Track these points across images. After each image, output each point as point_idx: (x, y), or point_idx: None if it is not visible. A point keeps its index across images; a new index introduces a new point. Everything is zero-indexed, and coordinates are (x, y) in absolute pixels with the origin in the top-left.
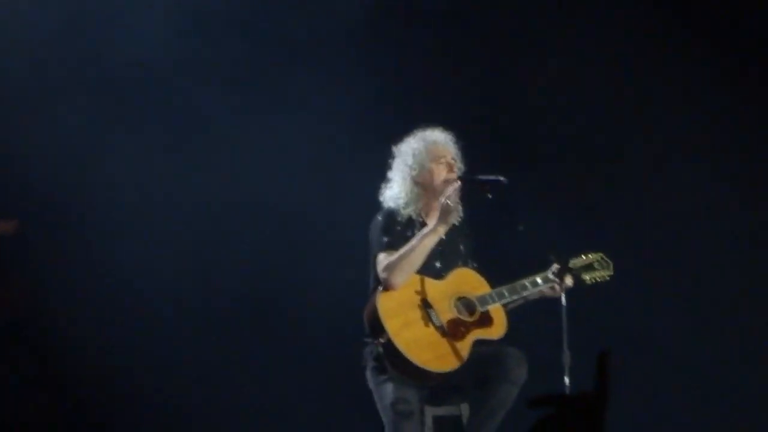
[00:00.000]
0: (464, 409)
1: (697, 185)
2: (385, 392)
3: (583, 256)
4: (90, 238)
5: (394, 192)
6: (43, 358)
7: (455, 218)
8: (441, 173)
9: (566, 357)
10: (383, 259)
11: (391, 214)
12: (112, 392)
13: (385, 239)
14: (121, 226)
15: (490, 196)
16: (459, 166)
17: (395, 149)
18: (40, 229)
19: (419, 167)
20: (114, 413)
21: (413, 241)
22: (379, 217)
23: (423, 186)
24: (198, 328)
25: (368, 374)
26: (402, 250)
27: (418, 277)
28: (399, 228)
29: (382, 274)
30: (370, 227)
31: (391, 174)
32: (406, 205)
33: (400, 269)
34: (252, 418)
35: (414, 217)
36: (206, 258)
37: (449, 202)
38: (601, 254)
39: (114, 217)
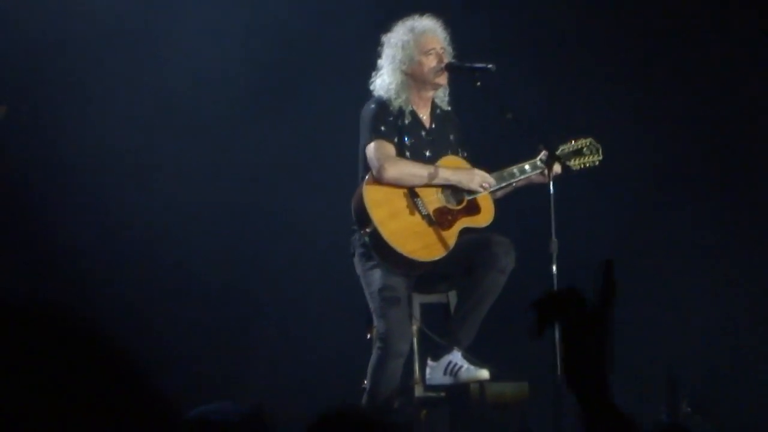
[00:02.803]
0: (452, 297)
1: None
2: (373, 279)
3: (573, 141)
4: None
5: (384, 82)
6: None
7: (478, 187)
8: (430, 64)
9: (553, 245)
10: (379, 146)
11: (383, 104)
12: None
13: (381, 128)
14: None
15: (478, 84)
16: (449, 53)
17: (384, 38)
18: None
19: (408, 60)
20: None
21: (431, 168)
22: (372, 105)
23: (413, 77)
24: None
25: (356, 261)
26: (417, 166)
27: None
28: (391, 118)
29: (376, 162)
30: (361, 114)
31: (380, 62)
32: (397, 95)
33: (401, 172)
34: (243, 300)
35: (404, 107)
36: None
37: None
38: (590, 139)
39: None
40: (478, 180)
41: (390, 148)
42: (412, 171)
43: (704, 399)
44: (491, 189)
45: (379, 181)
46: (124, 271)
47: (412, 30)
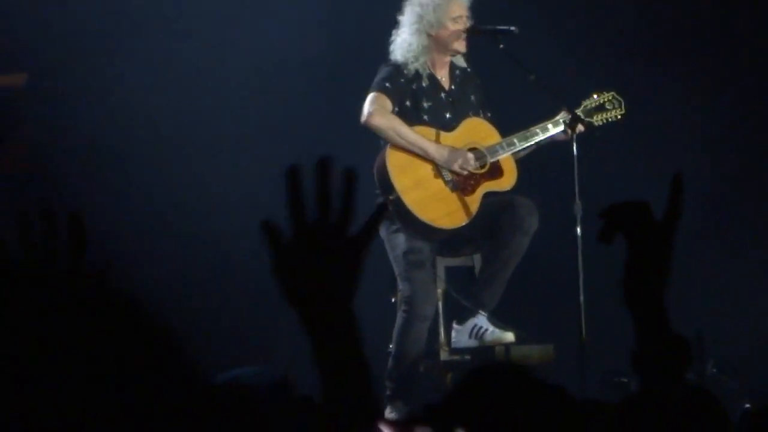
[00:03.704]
0: (476, 260)
1: None
2: (397, 242)
3: (595, 95)
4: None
5: (405, 42)
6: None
7: (457, 167)
8: (456, 30)
9: (577, 207)
10: (377, 98)
11: (397, 67)
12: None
13: (387, 84)
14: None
15: (501, 47)
16: (470, 20)
17: None
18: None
19: (437, 23)
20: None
21: (417, 138)
22: (385, 68)
23: (436, 40)
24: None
25: (382, 228)
26: (405, 128)
27: (428, 129)
28: (402, 80)
29: (367, 108)
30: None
31: (402, 20)
32: (415, 58)
33: (386, 125)
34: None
35: (420, 70)
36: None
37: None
38: (612, 93)
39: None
40: (460, 162)
41: (387, 103)
42: (398, 129)
43: (731, 360)
44: (513, 150)
45: (363, 122)
46: (154, 242)
47: None
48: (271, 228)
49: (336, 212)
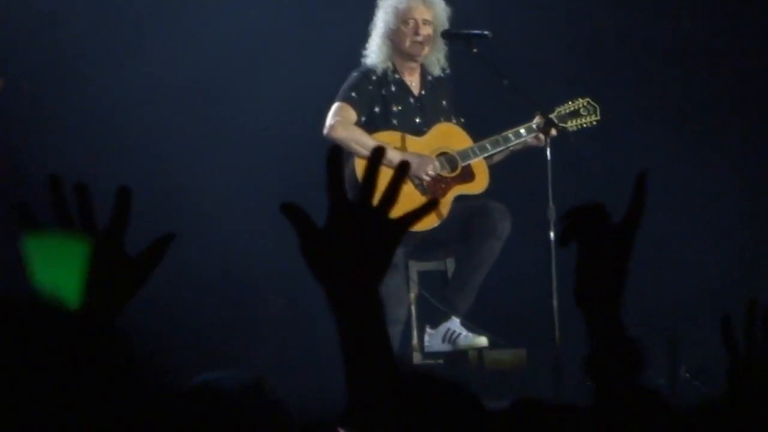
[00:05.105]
0: (449, 264)
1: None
2: None
3: (570, 102)
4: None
5: (370, 47)
6: None
7: (424, 174)
8: (407, 35)
9: (551, 211)
10: (340, 109)
11: (366, 73)
12: None
13: (353, 94)
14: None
15: (475, 51)
16: (437, 25)
17: (378, 1)
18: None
19: (388, 25)
20: None
21: (371, 141)
22: (354, 74)
23: (393, 43)
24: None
25: None
26: (364, 137)
27: (397, 134)
28: (370, 87)
29: (329, 120)
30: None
31: (370, 26)
32: (380, 60)
33: (348, 137)
34: (247, 275)
35: (389, 73)
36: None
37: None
38: (588, 99)
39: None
40: (425, 168)
41: (351, 114)
42: (360, 140)
43: (704, 364)
44: (485, 155)
45: (325, 135)
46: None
47: None
48: (293, 209)
49: (382, 196)
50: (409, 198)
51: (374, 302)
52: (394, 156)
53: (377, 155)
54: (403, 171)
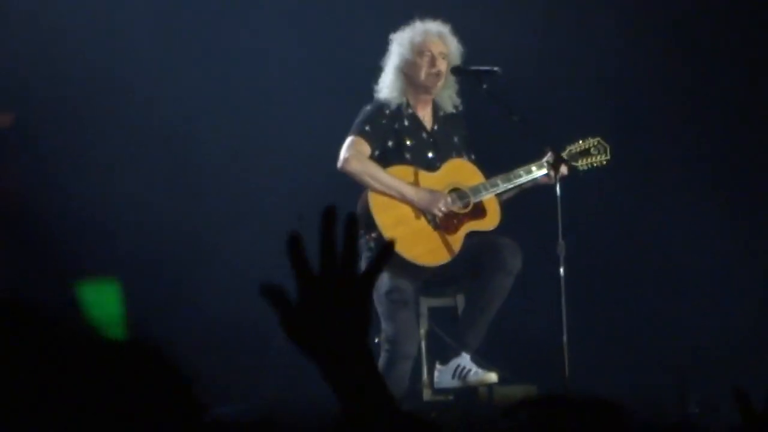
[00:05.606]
0: (460, 300)
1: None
2: (380, 281)
3: (581, 141)
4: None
5: (383, 81)
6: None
7: (436, 210)
8: (423, 67)
9: (560, 247)
10: (355, 142)
11: (380, 108)
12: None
13: (366, 128)
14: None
15: (485, 87)
16: (453, 59)
17: (392, 36)
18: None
19: (404, 59)
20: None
21: (393, 181)
22: (368, 107)
23: (408, 77)
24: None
25: (362, 264)
26: (382, 173)
27: (410, 169)
28: (384, 121)
29: (344, 153)
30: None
31: (384, 60)
32: (394, 95)
33: (362, 170)
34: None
35: (403, 108)
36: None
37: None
38: (598, 138)
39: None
40: (438, 204)
41: (365, 147)
42: (373, 173)
43: (714, 399)
44: (496, 191)
45: (340, 168)
46: (137, 269)
47: (412, 29)
48: (272, 290)
49: (342, 256)
50: (423, 234)
51: (366, 361)
52: (407, 191)
53: (329, 217)
54: (353, 227)
